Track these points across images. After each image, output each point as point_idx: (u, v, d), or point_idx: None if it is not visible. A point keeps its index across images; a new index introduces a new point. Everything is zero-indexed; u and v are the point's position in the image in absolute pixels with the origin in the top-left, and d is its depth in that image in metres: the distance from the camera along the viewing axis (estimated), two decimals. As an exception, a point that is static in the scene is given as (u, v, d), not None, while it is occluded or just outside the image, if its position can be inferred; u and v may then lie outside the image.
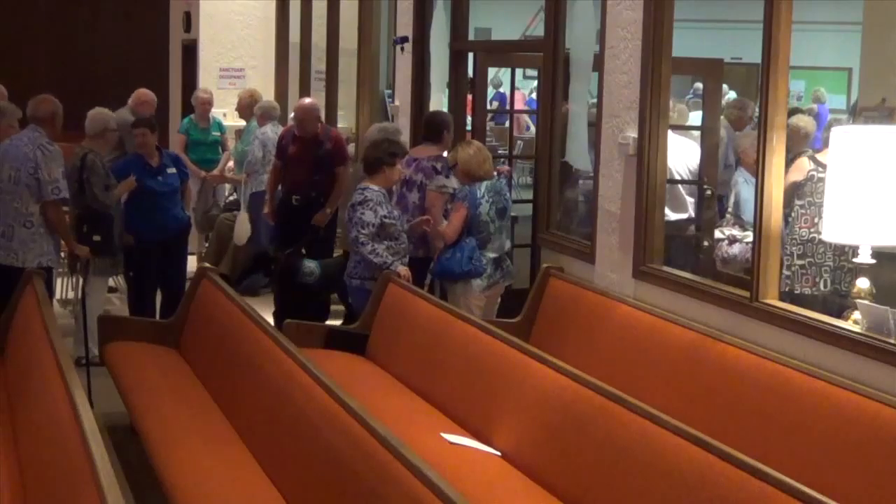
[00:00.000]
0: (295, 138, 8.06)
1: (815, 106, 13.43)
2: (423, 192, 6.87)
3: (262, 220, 9.00)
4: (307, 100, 8.55)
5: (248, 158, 9.31)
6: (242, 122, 10.11)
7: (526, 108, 15.39)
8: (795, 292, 5.63)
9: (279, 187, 8.30)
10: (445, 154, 7.02)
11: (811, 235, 5.69)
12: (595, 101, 6.53)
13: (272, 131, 9.23)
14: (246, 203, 9.22)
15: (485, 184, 6.40)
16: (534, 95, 13.85)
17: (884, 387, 4.15)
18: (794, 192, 5.75)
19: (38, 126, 6.51)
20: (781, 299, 5.10)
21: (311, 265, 7.43)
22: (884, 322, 4.31)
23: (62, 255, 7.21)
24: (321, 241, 8.06)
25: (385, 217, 6.37)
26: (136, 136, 7.50)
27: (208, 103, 10.27)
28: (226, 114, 10.96)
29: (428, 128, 7.33)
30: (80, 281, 7.13)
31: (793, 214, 5.76)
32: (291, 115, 9.23)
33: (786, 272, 5.68)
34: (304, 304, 7.45)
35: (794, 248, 5.70)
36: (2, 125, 6.99)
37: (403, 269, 6.35)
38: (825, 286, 5.62)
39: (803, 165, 5.80)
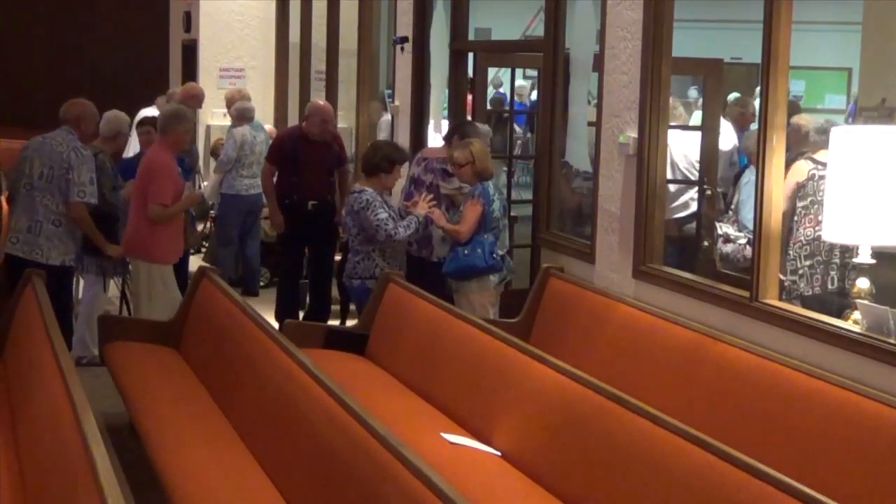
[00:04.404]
0: (304, 142, 7.88)
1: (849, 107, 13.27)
2: (436, 193, 6.85)
3: (231, 221, 9.13)
4: (322, 101, 8.50)
5: (220, 157, 9.40)
6: (227, 123, 10.12)
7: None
8: (806, 294, 5.61)
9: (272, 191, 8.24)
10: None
11: (817, 234, 5.67)
12: (595, 100, 6.53)
13: (250, 133, 9.24)
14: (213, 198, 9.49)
15: (491, 182, 6.42)
16: (534, 95, 13.82)
17: (884, 387, 4.15)
18: (795, 194, 5.74)
19: (70, 128, 6.56)
20: (791, 302, 5.07)
21: None
22: (884, 322, 4.31)
23: None
24: (334, 234, 8.12)
25: (389, 209, 6.55)
26: (140, 135, 7.53)
27: (201, 101, 10.21)
28: (226, 113, 10.96)
29: (455, 130, 7.28)
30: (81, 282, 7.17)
31: (795, 217, 5.75)
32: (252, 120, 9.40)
33: (791, 276, 5.67)
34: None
35: (800, 250, 5.68)
36: (177, 131, 6.93)
37: (421, 206, 6.54)
38: (832, 284, 5.60)
39: (802, 167, 5.79)
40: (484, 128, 7.86)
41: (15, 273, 6.34)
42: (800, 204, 5.73)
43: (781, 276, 5.74)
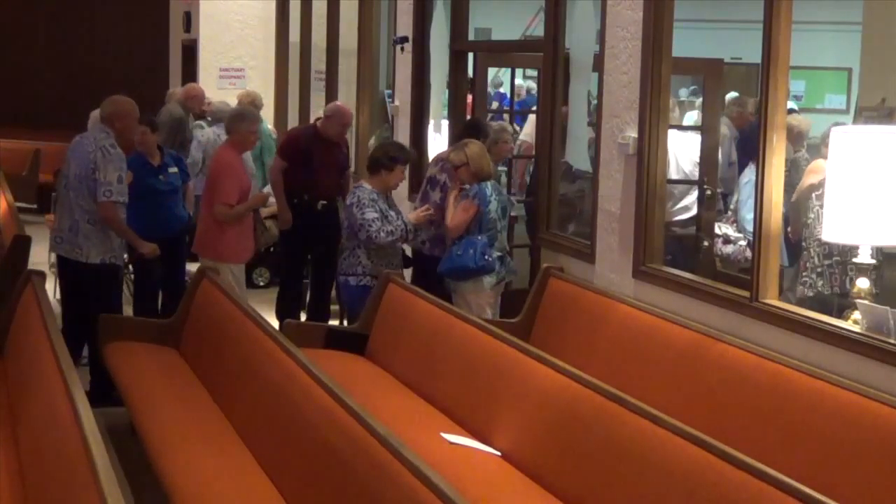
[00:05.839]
0: (319, 142, 7.84)
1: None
2: (445, 192, 6.86)
3: None
4: (342, 104, 8.49)
5: (187, 160, 9.31)
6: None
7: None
8: (825, 292, 5.59)
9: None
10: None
11: None
12: (595, 101, 6.53)
13: (212, 133, 9.14)
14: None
15: (490, 182, 6.42)
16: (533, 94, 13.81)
17: (884, 387, 4.15)
18: (811, 193, 5.74)
19: (105, 126, 6.54)
20: (804, 302, 5.03)
21: None
22: (884, 322, 4.31)
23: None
24: (337, 235, 8.11)
25: (383, 211, 6.54)
26: (136, 135, 7.52)
27: (201, 102, 10.16)
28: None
29: (463, 130, 7.35)
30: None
31: (811, 215, 5.73)
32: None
33: (811, 273, 5.65)
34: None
35: (818, 249, 5.67)
36: (241, 130, 7.06)
37: (414, 215, 6.67)
38: (849, 284, 5.59)
39: (821, 167, 5.78)
40: (500, 124, 7.89)
41: (63, 273, 6.61)
42: (817, 203, 5.72)
43: (803, 275, 5.74)
